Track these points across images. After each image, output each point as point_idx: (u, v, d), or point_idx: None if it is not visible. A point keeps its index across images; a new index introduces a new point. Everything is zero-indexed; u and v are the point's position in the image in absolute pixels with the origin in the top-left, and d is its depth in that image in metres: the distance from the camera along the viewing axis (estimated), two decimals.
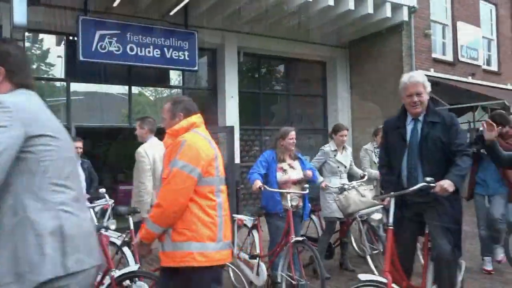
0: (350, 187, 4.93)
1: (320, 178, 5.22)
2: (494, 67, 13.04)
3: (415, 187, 2.95)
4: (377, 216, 4.27)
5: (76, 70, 8.21)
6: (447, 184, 2.90)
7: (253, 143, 10.33)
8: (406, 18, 9.81)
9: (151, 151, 4.45)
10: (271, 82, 11.31)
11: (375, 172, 5.47)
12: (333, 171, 5.33)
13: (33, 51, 8.13)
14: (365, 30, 10.32)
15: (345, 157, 5.43)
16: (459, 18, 11.76)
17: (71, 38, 8.18)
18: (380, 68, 10.63)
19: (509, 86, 13.04)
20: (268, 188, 4.35)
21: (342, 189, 4.95)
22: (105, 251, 3.30)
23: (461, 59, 11.73)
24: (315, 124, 11.47)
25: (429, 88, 3.36)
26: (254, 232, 4.79)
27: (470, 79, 11.69)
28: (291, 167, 4.64)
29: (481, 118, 12.78)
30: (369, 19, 9.55)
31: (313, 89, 11.56)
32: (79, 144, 5.62)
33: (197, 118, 2.71)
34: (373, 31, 10.34)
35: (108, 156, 12.67)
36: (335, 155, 5.35)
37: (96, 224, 3.54)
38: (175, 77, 9.57)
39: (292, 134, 4.62)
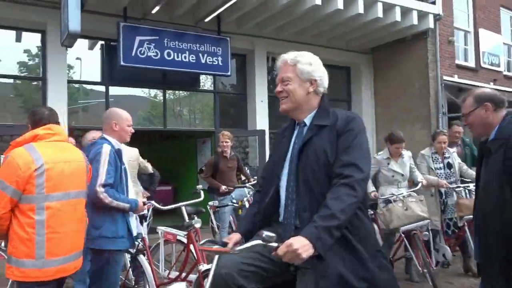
0: (397, 198, 4.61)
1: (370, 188, 5.01)
2: None
3: (243, 246, 1.84)
4: (427, 233, 4.35)
5: (114, 74, 8.49)
6: (298, 244, 1.64)
7: None
8: (431, 25, 10.01)
9: None
10: None
11: (433, 178, 5.21)
12: (388, 180, 5.05)
13: (73, 55, 8.38)
14: (390, 36, 10.53)
15: (402, 164, 5.06)
16: (480, 25, 11.94)
17: (109, 43, 8.46)
18: (404, 74, 10.83)
19: None
20: None
21: (387, 201, 4.68)
22: (194, 246, 3.53)
23: (483, 65, 11.90)
24: None
25: (315, 75, 2.20)
26: None
27: (492, 85, 11.84)
28: None
29: None
30: (395, 26, 9.76)
31: (338, 94, 11.77)
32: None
33: (42, 129, 2.60)
34: (399, 37, 10.55)
35: (144, 158, 12.86)
36: (388, 164, 5.05)
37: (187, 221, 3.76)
38: (206, 81, 9.82)
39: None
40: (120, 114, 3.34)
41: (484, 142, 2.33)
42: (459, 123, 6.03)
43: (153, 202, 3.48)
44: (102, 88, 8.58)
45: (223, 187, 6.08)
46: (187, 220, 3.70)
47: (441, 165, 5.36)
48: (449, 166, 5.38)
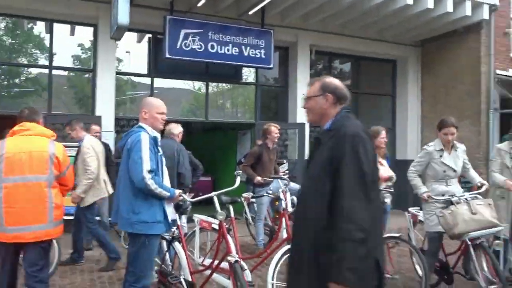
0: (460, 200, 4.02)
1: (422, 189, 4.37)
2: None
3: None
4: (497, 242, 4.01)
5: (160, 66, 8.74)
6: None
7: None
8: (486, 16, 9.52)
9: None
10: (341, 80, 11.24)
11: (501, 178, 4.53)
12: (438, 176, 4.36)
13: (122, 49, 8.71)
14: (442, 29, 10.11)
15: (455, 158, 4.38)
16: None
17: (156, 36, 8.71)
18: (455, 68, 10.38)
19: None
20: None
21: (448, 202, 4.05)
22: (224, 236, 3.62)
23: None
24: (384, 123, 11.37)
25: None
26: None
27: None
28: (381, 164, 4.85)
29: None
30: (447, 18, 9.36)
31: (382, 88, 11.50)
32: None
33: (17, 126, 3.39)
34: (450, 29, 10.12)
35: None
36: (440, 156, 4.34)
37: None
38: (248, 74, 9.90)
39: (383, 133, 4.94)
40: (151, 102, 3.45)
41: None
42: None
43: (182, 194, 3.57)
44: (148, 80, 8.86)
45: (259, 178, 6.10)
46: (219, 210, 3.78)
47: None
48: None
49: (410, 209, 4.76)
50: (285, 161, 8.95)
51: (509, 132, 4.91)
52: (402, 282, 4.90)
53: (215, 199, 3.89)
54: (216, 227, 4.01)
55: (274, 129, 6.38)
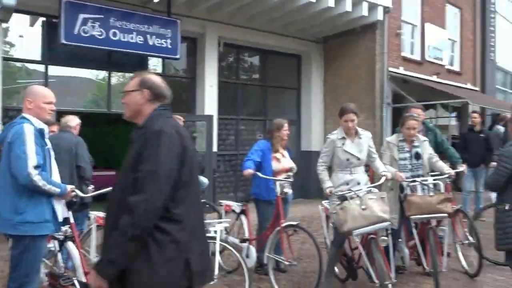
0: (354, 195, 3.84)
1: (326, 183, 4.13)
2: (456, 67, 13.79)
3: None
4: (384, 239, 3.95)
5: (55, 53, 8.11)
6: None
7: (229, 132, 10.54)
8: (380, 17, 10.26)
9: None
10: (249, 73, 11.52)
11: (392, 170, 4.46)
12: (342, 164, 4.16)
13: (10, 31, 7.93)
14: (342, 27, 10.71)
15: (358, 145, 4.18)
16: (427, 19, 12.36)
17: (50, 20, 8.05)
18: (354, 64, 11.06)
19: (469, 86, 13.86)
20: (261, 175, 4.62)
21: (343, 198, 3.86)
22: None
23: (427, 58, 12.36)
24: (289, 116, 11.77)
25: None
26: (243, 217, 5.06)
27: (435, 78, 12.35)
28: (283, 156, 5.03)
29: (441, 115, 13.61)
30: (346, 17, 9.93)
31: (288, 82, 11.87)
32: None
33: None
34: (349, 28, 10.74)
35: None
36: (343, 144, 4.15)
37: None
38: (155, 64, 9.60)
39: (286, 125, 5.01)
40: (36, 91, 3.17)
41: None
42: (418, 105, 5.68)
43: (75, 189, 3.35)
44: (42, 68, 8.18)
45: None
46: None
47: (407, 155, 4.64)
48: (417, 156, 4.65)
49: (323, 202, 4.74)
50: None
51: (399, 125, 4.88)
52: (302, 267, 5.12)
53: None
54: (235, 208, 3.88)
55: (178, 121, 6.23)
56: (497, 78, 15.96)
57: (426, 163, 4.69)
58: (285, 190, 4.69)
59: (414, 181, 4.44)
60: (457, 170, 5.04)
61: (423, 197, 4.30)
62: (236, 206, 5.18)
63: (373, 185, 4.12)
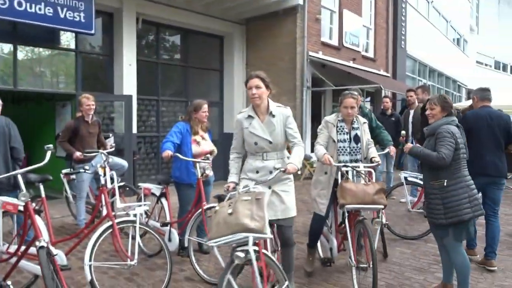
0: (234, 195, 3.11)
1: (230, 177, 3.60)
2: (371, 54, 14.56)
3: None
4: (240, 254, 2.79)
5: None
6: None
7: (150, 114, 10.21)
8: (301, 1, 10.46)
9: None
10: (170, 53, 11.18)
11: (322, 152, 3.96)
12: (251, 149, 3.55)
13: None
14: (263, 9, 10.76)
15: (269, 126, 3.47)
16: (345, 6, 12.84)
17: None
18: (275, 47, 11.21)
19: (382, 72, 14.72)
20: (181, 156, 4.51)
21: (219, 198, 3.89)
22: (32, 220, 3.20)
23: (345, 44, 12.89)
24: (212, 97, 11.69)
25: None
26: (163, 201, 4.94)
27: (351, 63, 12.94)
28: (203, 138, 4.89)
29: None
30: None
31: (210, 63, 11.73)
32: None
33: None
34: (270, 11, 10.83)
35: None
36: (250, 124, 3.49)
37: None
38: (69, 39, 8.93)
39: (205, 107, 4.84)
40: None
41: None
42: (355, 88, 4.85)
43: None
44: None
45: (78, 153, 5.73)
46: (24, 191, 3.34)
47: (346, 136, 4.17)
48: (357, 139, 4.20)
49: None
50: (111, 134, 8.47)
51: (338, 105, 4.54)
52: (224, 248, 5.14)
53: (20, 178, 3.41)
54: (22, 209, 3.54)
55: (86, 100, 5.95)
56: (407, 65, 17.12)
57: (364, 147, 4.22)
58: (206, 172, 4.65)
59: (346, 166, 3.96)
60: (382, 153, 4.94)
61: (358, 185, 3.79)
62: (155, 189, 5.04)
63: (274, 173, 3.35)
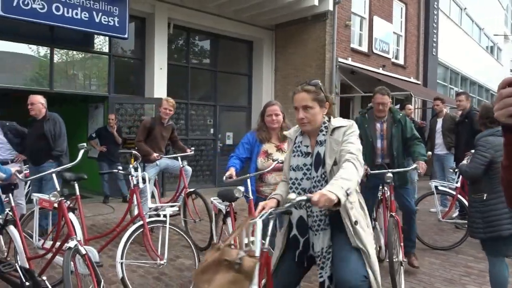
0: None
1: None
2: (401, 61, 14.36)
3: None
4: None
5: None
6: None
7: (179, 117, 10.36)
8: (331, 8, 10.43)
9: None
10: (199, 57, 11.34)
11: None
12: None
13: None
14: (292, 15, 10.79)
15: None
16: (375, 13, 12.73)
17: None
18: (303, 53, 11.20)
19: (412, 79, 14.50)
20: (231, 179, 3.56)
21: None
22: (65, 217, 3.30)
23: (374, 51, 12.76)
24: (240, 102, 11.78)
25: None
26: (228, 221, 4.02)
27: (381, 70, 12.80)
28: (280, 149, 3.66)
29: None
30: (297, 5, 10.01)
31: (239, 67, 11.83)
32: None
33: None
34: (300, 17, 10.85)
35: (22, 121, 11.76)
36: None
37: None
38: (102, 43, 9.19)
39: (271, 109, 3.68)
40: None
41: None
42: (384, 91, 4.37)
43: (17, 173, 3.17)
44: None
45: (156, 154, 5.51)
46: (58, 189, 3.44)
47: (306, 160, 2.77)
48: (317, 163, 2.82)
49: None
50: None
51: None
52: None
53: (54, 177, 3.51)
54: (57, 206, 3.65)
55: (165, 103, 5.73)
56: (438, 73, 16.81)
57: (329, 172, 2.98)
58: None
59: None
60: (409, 168, 4.27)
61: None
62: (220, 205, 4.30)
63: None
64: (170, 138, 6.03)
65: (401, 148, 4.41)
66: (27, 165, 5.72)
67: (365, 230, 2.30)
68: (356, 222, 2.26)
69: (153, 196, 5.93)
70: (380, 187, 4.39)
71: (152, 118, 6.02)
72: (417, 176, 8.12)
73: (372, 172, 4.11)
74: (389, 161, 4.43)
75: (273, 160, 3.52)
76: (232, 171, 3.56)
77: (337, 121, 2.42)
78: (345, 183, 2.03)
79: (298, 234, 2.39)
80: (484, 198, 3.40)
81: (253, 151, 3.72)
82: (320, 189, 2.21)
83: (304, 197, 2.03)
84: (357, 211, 2.31)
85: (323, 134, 2.39)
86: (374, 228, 4.42)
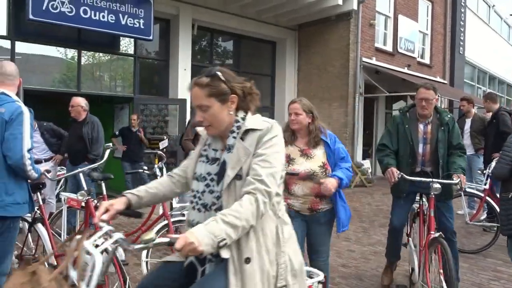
0: None
1: None
2: (427, 60, 14.11)
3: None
4: None
5: (22, 28, 7.78)
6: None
7: None
8: (355, 7, 10.33)
9: None
10: (222, 58, 11.40)
11: None
12: None
13: None
14: (316, 15, 10.73)
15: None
16: (400, 11, 12.55)
17: None
18: (327, 53, 11.13)
19: (438, 79, 14.22)
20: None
21: None
22: (92, 215, 3.36)
23: (399, 50, 12.58)
24: (263, 102, 11.74)
25: None
26: None
27: (406, 70, 12.60)
28: (305, 154, 3.08)
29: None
30: (320, 5, 9.96)
31: (262, 68, 11.84)
32: None
33: None
34: (323, 16, 10.78)
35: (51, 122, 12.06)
36: None
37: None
38: (127, 45, 9.34)
39: (291, 107, 3.13)
40: (15, 68, 3.04)
41: None
42: (429, 85, 3.79)
43: (45, 172, 3.26)
44: (7, 44, 7.82)
45: None
46: (85, 188, 3.51)
47: (212, 167, 2.06)
48: (221, 173, 2.07)
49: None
50: (165, 136, 8.76)
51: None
52: None
53: (81, 176, 3.59)
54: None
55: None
56: (465, 72, 16.44)
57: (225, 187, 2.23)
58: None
59: None
60: (446, 181, 3.53)
61: None
62: None
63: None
64: None
65: (447, 156, 3.74)
66: (61, 166, 5.87)
67: (263, 272, 1.69)
68: (248, 260, 1.68)
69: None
70: (417, 197, 3.81)
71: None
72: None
73: (410, 178, 3.48)
74: (431, 169, 3.74)
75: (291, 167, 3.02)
76: None
77: (252, 120, 1.84)
78: (227, 228, 1.54)
79: (197, 262, 1.84)
80: (510, 196, 3.42)
81: None
82: (219, 210, 1.67)
83: (166, 240, 1.53)
84: (261, 244, 1.71)
85: (233, 137, 1.81)
86: (407, 245, 4.00)
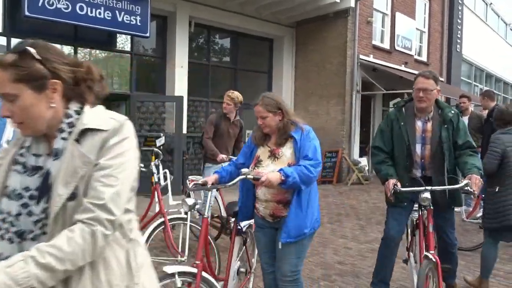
0: None
1: None
2: (424, 57, 14.12)
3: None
4: None
5: (18, 25, 7.74)
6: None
7: (199, 114, 10.42)
8: (352, 4, 10.32)
9: None
10: (220, 55, 11.38)
11: None
12: None
13: None
14: (314, 12, 10.71)
15: None
16: (397, 9, 12.54)
17: None
18: (324, 50, 11.12)
19: None
20: (197, 186, 2.91)
21: None
22: None
23: (396, 47, 12.58)
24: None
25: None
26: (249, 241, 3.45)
27: (403, 67, 12.60)
28: (273, 155, 2.73)
29: None
30: (318, 2, 9.94)
31: (259, 65, 11.82)
32: None
33: None
34: (321, 14, 10.76)
35: None
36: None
37: None
38: (124, 42, 9.31)
39: (255, 110, 2.72)
40: None
41: None
42: (429, 74, 3.25)
43: None
44: (3, 40, 7.78)
45: (223, 155, 4.79)
46: None
47: (32, 181, 1.34)
48: (44, 190, 1.31)
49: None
50: (161, 134, 8.73)
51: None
52: None
53: None
54: None
55: (226, 96, 5.07)
56: (462, 70, 16.46)
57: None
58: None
59: None
60: (457, 186, 2.96)
61: None
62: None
63: None
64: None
65: (453, 158, 3.22)
66: None
67: None
68: None
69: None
70: (416, 206, 3.32)
71: (217, 113, 5.29)
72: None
73: (404, 190, 3.02)
74: (434, 174, 3.24)
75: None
76: (210, 178, 2.82)
77: (93, 116, 1.30)
78: (40, 272, 1.08)
79: None
80: (496, 190, 3.63)
81: (252, 156, 2.84)
82: (36, 241, 1.18)
83: None
84: (102, 282, 1.21)
85: (63, 138, 1.25)
86: (407, 261, 3.59)
